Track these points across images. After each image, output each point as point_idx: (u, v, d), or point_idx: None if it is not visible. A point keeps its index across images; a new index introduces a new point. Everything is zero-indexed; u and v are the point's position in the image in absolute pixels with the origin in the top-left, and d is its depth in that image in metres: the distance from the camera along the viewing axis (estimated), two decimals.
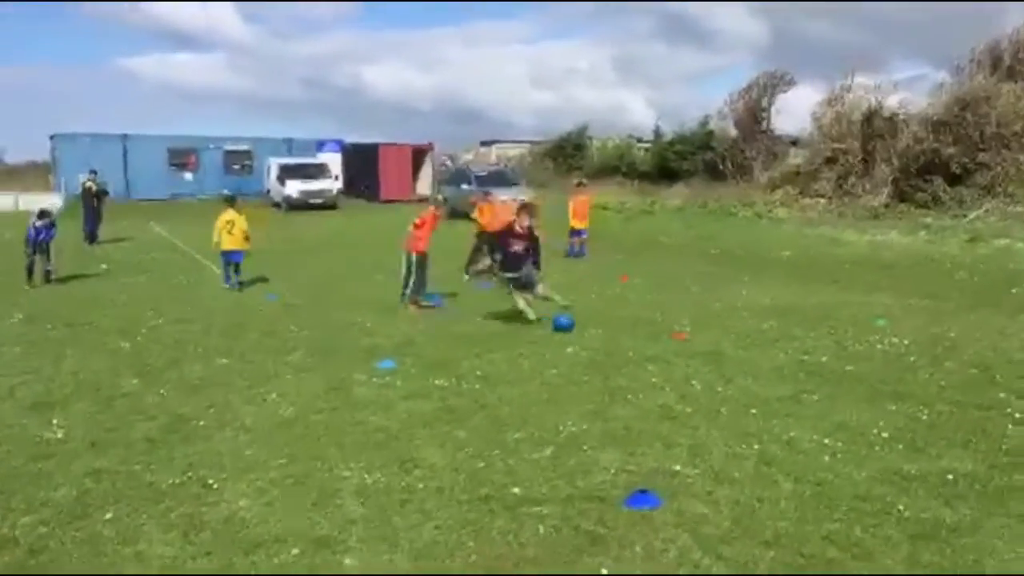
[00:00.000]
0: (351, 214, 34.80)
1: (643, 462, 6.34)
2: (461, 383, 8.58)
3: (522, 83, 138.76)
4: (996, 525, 5.18)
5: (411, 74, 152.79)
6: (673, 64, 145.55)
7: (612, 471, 6.17)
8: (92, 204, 23.41)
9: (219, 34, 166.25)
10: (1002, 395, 7.95)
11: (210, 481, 5.97)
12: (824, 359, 9.49)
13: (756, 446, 6.64)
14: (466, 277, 15.86)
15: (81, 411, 7.69)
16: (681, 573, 4.68)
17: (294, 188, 36.48)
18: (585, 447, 6.66)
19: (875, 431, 6.94)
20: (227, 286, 15.23)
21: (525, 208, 12.39)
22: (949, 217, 23.89)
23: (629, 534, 5.11)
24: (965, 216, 23.63)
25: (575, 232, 20.58)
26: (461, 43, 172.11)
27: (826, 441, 6.72)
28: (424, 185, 40.82)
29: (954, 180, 26.04)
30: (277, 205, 37.05)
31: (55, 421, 7.36)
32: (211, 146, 43.11)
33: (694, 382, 8.56)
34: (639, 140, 45.15)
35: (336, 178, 39.52)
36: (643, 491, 5.67)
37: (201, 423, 7.33)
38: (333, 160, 42.15)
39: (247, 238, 15.28)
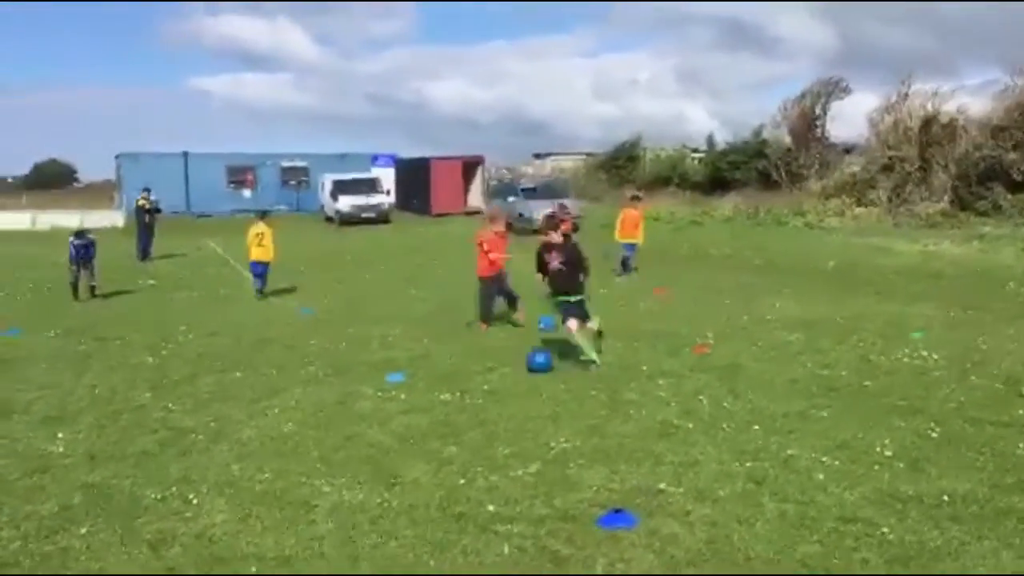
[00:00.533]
0: (401, 228, 35.08)
1: (628, 480, 6.20)
2: (465, 397, 8.53)
3: (584, 95, 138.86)
4: (983, 550, 4.92)
5: (472, 88, 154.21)
6: (735, 73, 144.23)
7: (594, 489, 6.05)
8: (145, 221, 24.01)
9: (288, 54, 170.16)
10: (1023, 412, 7.59)
11: (191, 496, 6.01)
12: (844, 373, 9.20)
13: (749, 464, 6.45)
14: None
15: (88, 425, 7.85)
16: None
17: (346, 203, 36.92)
18: (572, 464, 6.55)
19: (878, 449, 6.68)
20: (258, 294, 16.14)
21: (548, 219, 11.08)
22: (1011, 225, 23.01)
23: (594, 554, 4.99)
24: None
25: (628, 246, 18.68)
26: (521, 57, 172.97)
27: (824, 459, 6.49)
28: (475, 198, 40.93)
29: (1016, 187, 25.10)
30: (330, 219, 37.59)
31: (60, 435, 7.52)
32: (268, 163, 43.98)
33: (702, 397, 8.37)
34: (693, 150, 44.58)
35: (388, 192, 39.87)
36: (618, 510, 5.54)
37: (200, 437, 7.42)
38: (386, 175, 42.56)
39: (272, 249, 16.27)
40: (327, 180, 39.37)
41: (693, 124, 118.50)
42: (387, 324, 12.83)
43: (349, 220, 36.22)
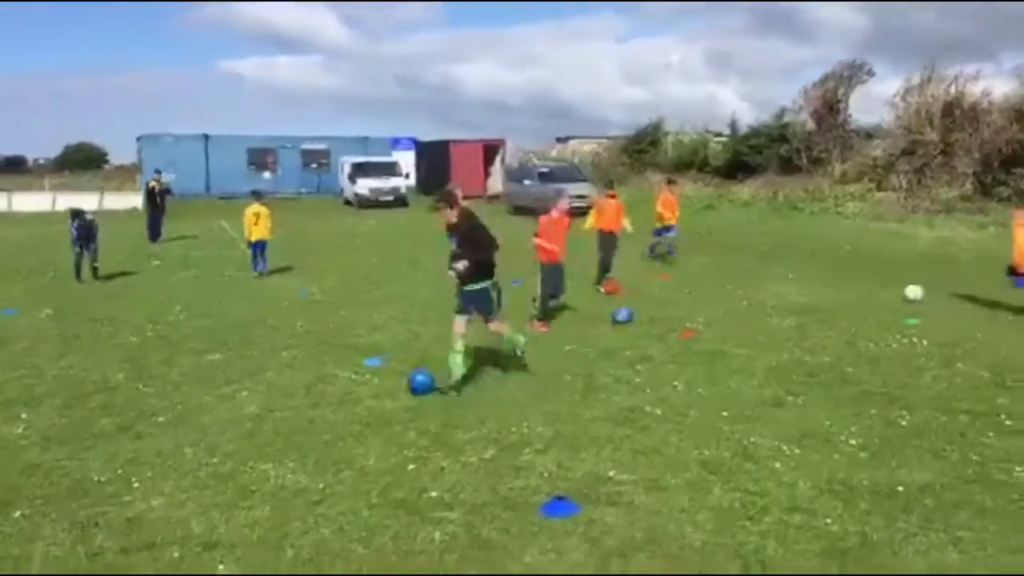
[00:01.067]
0: (419, 211, 34.97)
1: (580, 467, 6.07)
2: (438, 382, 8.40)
3: (613, 79, 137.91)
4: (927, 543, 4.75)
5: (501, 71, 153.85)
6: (766, 57, 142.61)
7: (545, 475, 5.93)
8: (155, 202, 24.11)
9: (318, 37, 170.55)
10: (1002, 401, 7.36)
11: (134, 480, 5.96)
12: (826, 359, 8.99)
13: (707, 452, 6.29)
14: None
15: (54, 407, 7.81)
16: None
17: (364, 186, 36.94)
18: (528, 450, 6.43)
19: (843, 438, 6.50)
20: (256, 273, 16.50)
21: (445, 195, 9.01)
22: None
23: (525, 543, 4.87)
24: None
25: (659, 231, 18.33)
26: (551, 40, 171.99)
27: (784, 448, 6.31)
28: (496, 181, 40.74)
29: None
30: (349, 202, 37.63)
31: (24, 416, 7.50)
32: (288, 145, 44.08)
33: (677, 383, 8.20)
34: (716, 135, 43.96)
35: (407, 175, 39.80)
36: (560, 498, 5.42)
37: (160, 419, 7.38)
38: (406, 158, 42.50)
39: (270, 229, 16.76)
40: (346, 163, 39.42)
41: (724, 108, 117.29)
42: (382, 307, 12.75)
43: (367, 203, 36.23)
